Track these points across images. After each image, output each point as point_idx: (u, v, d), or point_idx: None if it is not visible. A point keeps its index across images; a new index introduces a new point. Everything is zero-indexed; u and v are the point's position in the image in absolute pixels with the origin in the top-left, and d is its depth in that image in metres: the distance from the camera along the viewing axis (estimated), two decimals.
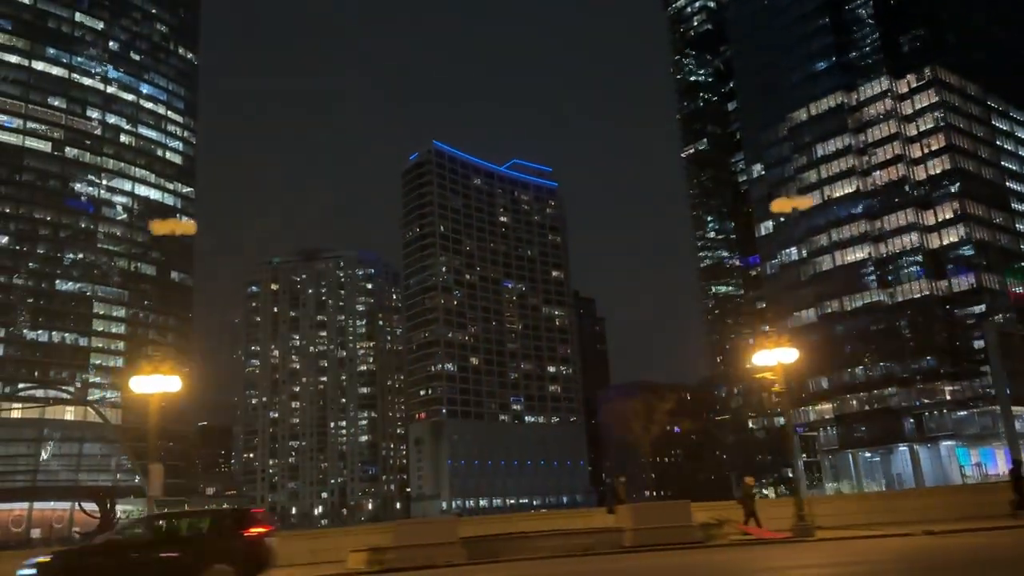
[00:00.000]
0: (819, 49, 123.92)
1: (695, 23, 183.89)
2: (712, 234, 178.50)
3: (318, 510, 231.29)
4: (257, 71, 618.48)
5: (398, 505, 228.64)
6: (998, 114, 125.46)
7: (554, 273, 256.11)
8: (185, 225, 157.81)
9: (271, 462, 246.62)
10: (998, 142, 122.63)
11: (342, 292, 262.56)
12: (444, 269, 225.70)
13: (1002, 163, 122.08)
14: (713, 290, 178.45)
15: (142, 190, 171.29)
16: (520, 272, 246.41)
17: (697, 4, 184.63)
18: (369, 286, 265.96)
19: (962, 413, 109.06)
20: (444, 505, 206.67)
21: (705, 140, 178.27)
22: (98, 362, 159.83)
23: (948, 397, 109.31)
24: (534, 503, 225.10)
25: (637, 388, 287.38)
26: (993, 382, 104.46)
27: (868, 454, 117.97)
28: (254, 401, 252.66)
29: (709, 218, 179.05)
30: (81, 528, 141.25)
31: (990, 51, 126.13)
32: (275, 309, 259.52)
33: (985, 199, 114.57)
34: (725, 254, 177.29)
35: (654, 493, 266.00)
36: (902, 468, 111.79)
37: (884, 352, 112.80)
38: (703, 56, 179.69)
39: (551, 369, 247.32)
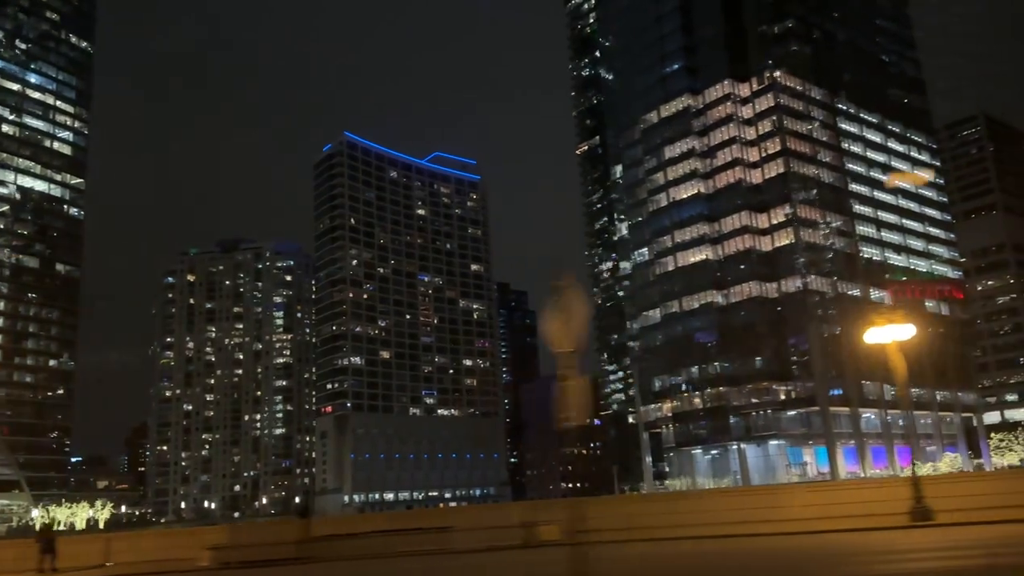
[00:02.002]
0: (670, 51, 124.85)
1: (590, 20, 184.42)
2: (602, 231, 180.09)
3: (213, 504, 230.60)
4: (174, 58, 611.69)
5: (297, 499, 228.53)
6: (847, 117, 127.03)
7: (474, 267, 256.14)
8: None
9: (183, 455, 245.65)
10: (844, 145, 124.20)
11: (260, 284, 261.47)
12: (355, 262, 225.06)
13: (847, 166, 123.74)
14: (601, 287, 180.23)
15: (26, 181, 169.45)
16: (437, 265, 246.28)
17: (593, 0, 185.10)
18: (288, 278, 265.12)
19: (791, 413, 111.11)
20: (346, 499, 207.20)
21: (598, 138, 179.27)
22: None
23: (779, 397, 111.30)
24: (446, 496, 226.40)
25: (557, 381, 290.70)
26: (815, 383, 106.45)
27: (716, 451, 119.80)
28: (168, 393, 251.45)
29: (600, 217, 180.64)
30: None
31: (842, 55, 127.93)
32: (191, 301, 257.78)
33: (820, 203, 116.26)
34: (614, 253, 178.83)
35: (570, 486, 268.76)
36: (738, 466, 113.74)
37: (718, 352, 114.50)
38: (596, 53, 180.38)
39: (467, 362, 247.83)
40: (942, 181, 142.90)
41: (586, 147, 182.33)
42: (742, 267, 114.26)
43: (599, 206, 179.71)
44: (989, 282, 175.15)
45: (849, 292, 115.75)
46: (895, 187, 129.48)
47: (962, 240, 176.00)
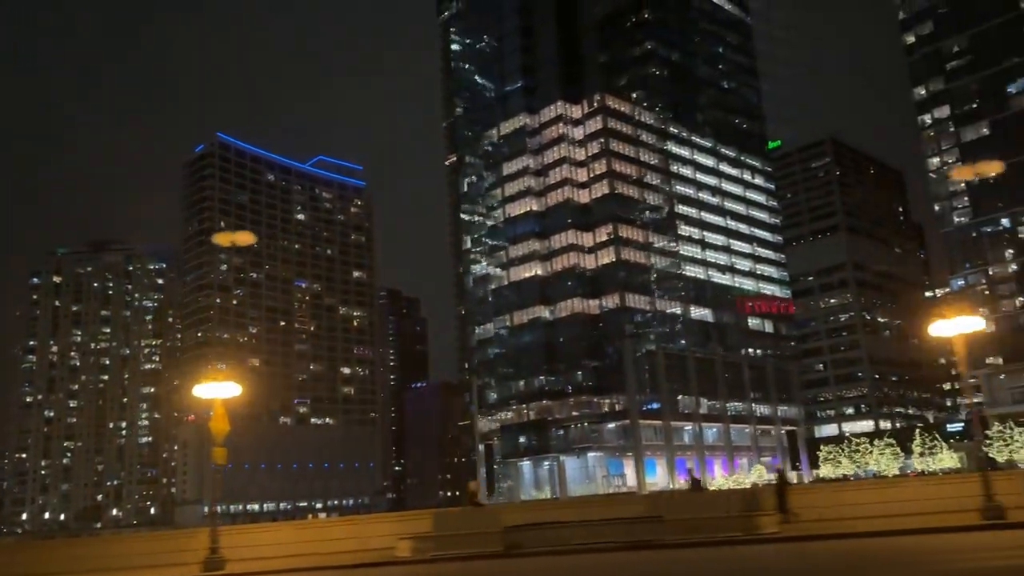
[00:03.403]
0: (511, 71, 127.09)
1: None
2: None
3: (63, 516, 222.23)
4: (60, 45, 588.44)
5: (153, 510, 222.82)
6: (679, 141, 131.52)
7: (356, 273, 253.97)
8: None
9: (43, 463, 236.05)
10: (673, 168, 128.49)
11: (130, 287, 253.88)
12: (224, 267, 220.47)
13: (676, 188, 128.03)
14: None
15: None
16: (316, 271, 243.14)
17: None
18: (160, 281, 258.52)
19: (611, 426, 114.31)
20: (206, 510, 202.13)
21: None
22: None
23: (598, 410, 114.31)
24: (316, 506, 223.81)
25: (439, 388, 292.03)
26: (627, 397, 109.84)
27: (547, 463, 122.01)
28: (29, 399, 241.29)
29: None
30: None
31: (679, 81, 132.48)
32: (56, 303, 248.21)
33: (644, 223, 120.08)
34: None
35: (448, 494, 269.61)
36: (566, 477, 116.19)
37: (544, 367, 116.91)
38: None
39: (345, 370, 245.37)
40: (775, 204, 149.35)
41: (454, 158, 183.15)
42: (569, 284, 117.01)
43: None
44: (832, 300, 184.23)
45: (668, 310, 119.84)
46: (725, 209, 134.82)
47: (810, 259, 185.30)
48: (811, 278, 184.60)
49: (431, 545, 19.09)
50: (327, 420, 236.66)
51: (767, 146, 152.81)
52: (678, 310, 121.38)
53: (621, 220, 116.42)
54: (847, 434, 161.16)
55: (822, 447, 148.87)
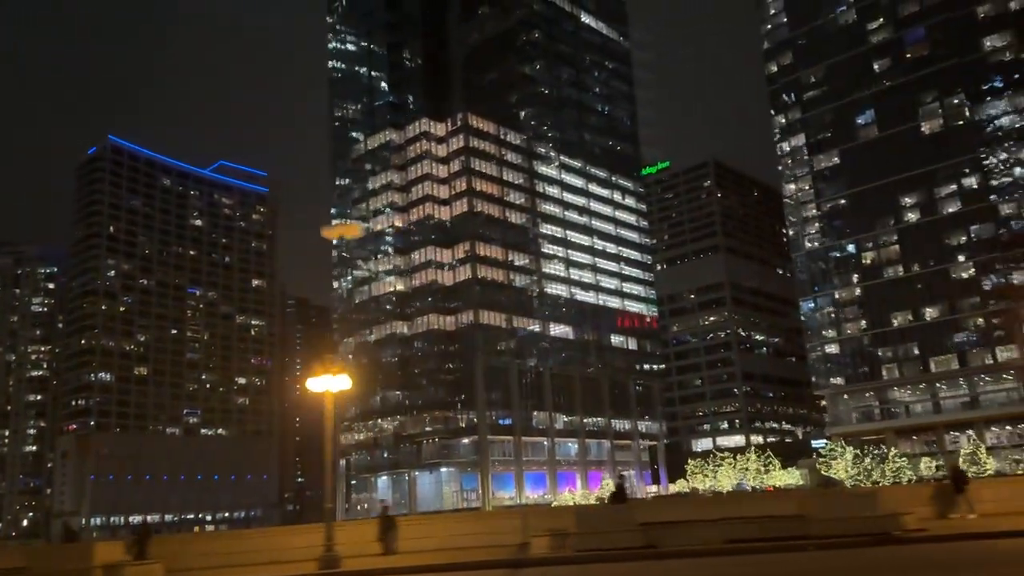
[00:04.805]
0: (378, 86, 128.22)
1: None
2: None
3: None
4: None
5: (25, 523, 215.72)
6: (547, 162, 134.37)
7: (255, 282, 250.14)
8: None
9: None
10: (539, 188, 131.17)
11: (18, 291, 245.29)
12: (111, 273, 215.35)
13: (542, 208, 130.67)
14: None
15: None
16: (212, 279, 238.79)
17: None
18: (51, 285, 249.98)
19: (465, 441, 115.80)
20: (83, 522, 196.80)
21: None
22: None
23: (451, 426, 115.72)
24: (205, 519, 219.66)
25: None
26: (476, 413, 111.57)
27: (407, 477, 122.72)
28: None
29: None
30: None
31: (550, 103, 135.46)
32: None
33: (504, 242, 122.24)
34: None
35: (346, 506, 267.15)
36: (418, 492, 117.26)
37: (399, 381, 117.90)
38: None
39: (241, 380, 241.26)
40: (645, 224, 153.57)
41: None
42: (429, 299, 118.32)
43: None
44: (710, 317, 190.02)
45: (528, 327, 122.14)
46: (592, 229, 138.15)
47: (691, 278, 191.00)
48: (692, 296, 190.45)
49: None
50: (219, 431, 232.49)
51: (640, 168, 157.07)
52: (537, 327, 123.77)
53: (480, 238, 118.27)
54: (716, 449, 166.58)
55: (690, 461, 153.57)
